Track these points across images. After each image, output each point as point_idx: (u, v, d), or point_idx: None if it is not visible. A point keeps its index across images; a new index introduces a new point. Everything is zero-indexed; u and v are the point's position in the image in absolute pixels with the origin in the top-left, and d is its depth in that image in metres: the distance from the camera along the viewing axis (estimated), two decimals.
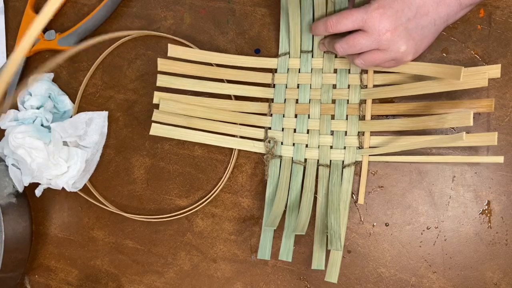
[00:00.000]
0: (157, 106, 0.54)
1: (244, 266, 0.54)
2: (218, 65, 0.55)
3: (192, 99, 0.54)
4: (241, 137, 0.54)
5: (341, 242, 0.47)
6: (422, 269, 0.50)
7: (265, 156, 0.53)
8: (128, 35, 0.59)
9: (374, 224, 0.51)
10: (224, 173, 0.55)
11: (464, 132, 0.41)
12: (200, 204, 0.55)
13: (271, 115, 0.54)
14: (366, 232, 0.51)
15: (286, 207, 0.51)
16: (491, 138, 0.46)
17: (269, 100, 0.55)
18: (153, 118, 0.53)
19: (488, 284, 0.49)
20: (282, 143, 0.53)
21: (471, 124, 0.43)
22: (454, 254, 0.49)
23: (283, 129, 0.54)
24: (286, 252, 0.51)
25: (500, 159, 0.47)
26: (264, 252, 0.51)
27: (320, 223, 0.50)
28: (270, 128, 0.54)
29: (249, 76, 0.55)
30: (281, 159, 0.53)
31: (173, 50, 0.53)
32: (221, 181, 0.55)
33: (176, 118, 0.54)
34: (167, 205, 0.57)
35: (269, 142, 0.53)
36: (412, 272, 0.50)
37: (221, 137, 0.54)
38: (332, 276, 0.49)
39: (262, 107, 0.54)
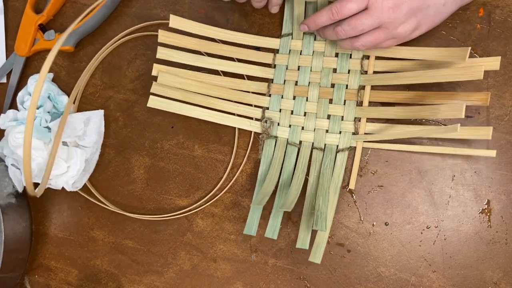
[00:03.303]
0: (155, 79, 0.54)
1: (244, 265, 0.54)
2: (219, 42, 0.55)
3: (190, 73, 0.54)
4: (238, 115, 0.55)
5: (326, 223, 0.47)
6: (422, 268, 0.50)
7: (260, 136, 0.54)
8: (130, 35, 0.59)
9: (374, 223, 0.51)
10: (224, 173, 0.55)
11: (459, 124, 0.41)
12: (202, 204, 0.55)
13: (269, 95, 0.55)
14: (366, 232, 0.51)
15: (277, 187, 0.52)
16: (486, 132, 0.46)
17: (268, 80, 0.55)
18: (151, 90, 0.53)
19: (488, 283, 0.49)
20: (278, 124, 0.54)
21: (463, 116, 0.43)
22: (454, 253, 0.49)
23: (280, 110, 0.54)
24: (272, 231, 0.51)
25: (492, 153, 0.47)
26: (251, 228, 0.52)
27: (309, 205, 0.51)
28: (267, 108, 0.54)
29: (250, 55, 0.55)
30: (276, 140, 0.54)
31: (175, 21, 0.52)
32: (230, 182, 0.55)
33: (174, 92, 0.54)
34: (167, 205, 0.57)
35: (266, 122, 0.53)
36: (412, 271, 0.50)
37: (218, 114, 0.54)
38: (316, 257, 0.50)
39: (261, 86, 0.55)
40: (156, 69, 0.54)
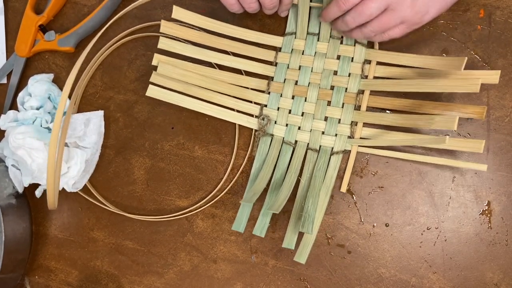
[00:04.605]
0: (155, 68, 0.54)
1: (244, 266, 0.54)
2: (221, 36, 0.55)
3: (190, 66, 0.54)
4: (237, 111, 0.55)
5: (313, 226, 0.48)
6: (423, 269, 0.50)
7: (256, 133, 0.54)
8: (130, 36, 0.59)
9: (374, 224, 0.51)
10: (224, 174, 0.55)
11: (447, 136, 0.42)
12: (202, 205, 0.55)
13: (269, 93, 0.55)
14: (366, 233, 0.51)
15: (269, 186, 0.52)
16: (477, 145, 0.46)
17: (268, 78, 0.55)
18: (151, 80, 0.53)
19: (488, 285, 0.48)
20: (275, 122, 0.54)
21: (455, 128, 0.43)
22: (454, 255, 0.49)
23: (278, 108, 0.54)
24: (260, 229, 0.52)
25: (483, 167, 0.47)
26: (239, 225, 0.53)
27: (299, 206, 0.51)
28: (266, 106, 0.54)
29: (252, 51, 0.55)
30: (272, 138, 0.54)
31: (178, 12, 0.52)
32: (230, 183, 0.55)
33: (174, 83, 0.53)
34: (167, 206, 0.57)
35: (263, 119, 0.53)
36: (412, 272, 0.50)
37: (216, 108, 0.54)
38: (302, 257, 0.50)
39: (261, 83, 0.55)
40: (157, 58, 0.54)
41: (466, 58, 0.43)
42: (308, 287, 0.52)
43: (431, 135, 0.50)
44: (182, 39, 0.54)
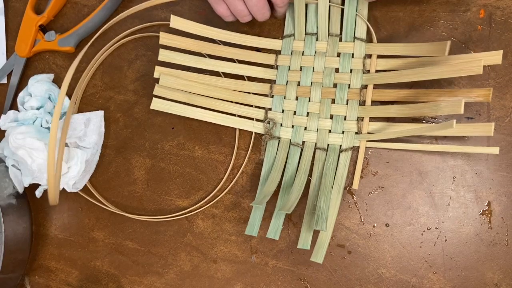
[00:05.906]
0: (157, 80, 0.54)
1: (244, 267, 0.54)
2: (220, 43, 0.55)
3: (192, 75, 0.55)
4: (241, 116, 0.55)
5: (326, 223, 0.47)
6: (423, 269, 0.50)
7: (263, 137, 0.54)
8: (130, 36, 0.59)
9: (375, 224, 0.51)
10: (225, 174, 0.55)
11: (454, 120, 0.41)
12: (202, 205, 0.55)
13: (272, 96, 0.55)
14: (367, 233, 0.51)
15: (279, 188, 0.52)
16: (487, 129, 0.45)
17: (271, 82, 0.55)
18: (154, 92, 0.53)
19: (489, 285, 0.49)
20: (281, 125, 0.54)
21: (462, 112, 0.42)
22: (454, 255, 0.49)
23: (283, 110, 0.54)
24: (274, 231, 0.51)
25: (495, 150, 0.47)
26: (252, 229, 0.52)
27: (311, 205, 0.51)
28: (270, 109, 0.54)
29: (252, 56, 0.55)
30: (279, 140, 0.54)
31: (175, 21, 0.52)
32: (231, 183, 0.55)
33: (177, 94, 0.54)
34: (167, 206, 0.57)
35: (269, 123, 0.53)
36: (412, 273, 0.50)
37: (221, 115, 0.54)
38: (318, 256, 0.49)
39: (263, 87, 0.55)
40: (158, 71, 0.54)
41: (450, 42, 0.44)
42: (308, 287, 0.52)
43: (432, 124, 0.50)
44: (182, 49, 0.54)
